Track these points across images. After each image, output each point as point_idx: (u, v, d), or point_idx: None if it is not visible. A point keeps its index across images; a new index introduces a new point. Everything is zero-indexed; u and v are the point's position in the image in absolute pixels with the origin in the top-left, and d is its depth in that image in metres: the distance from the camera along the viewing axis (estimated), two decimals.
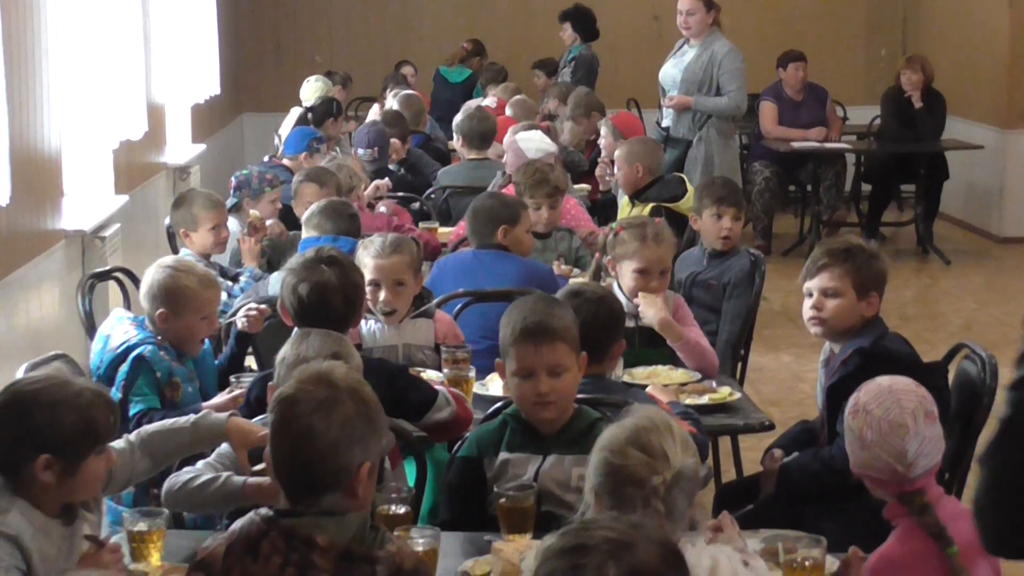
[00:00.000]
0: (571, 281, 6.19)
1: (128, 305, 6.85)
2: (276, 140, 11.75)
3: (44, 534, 3.78)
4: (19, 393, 3.84)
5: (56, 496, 3.76)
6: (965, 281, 12.31)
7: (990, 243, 13.80)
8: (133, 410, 5.11)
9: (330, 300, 4.78)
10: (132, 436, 4.18)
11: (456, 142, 10.10)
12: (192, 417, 4.26)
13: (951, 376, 5.04)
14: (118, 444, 4.04)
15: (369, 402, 3.36)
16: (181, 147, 12.62)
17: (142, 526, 4.00)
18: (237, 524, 3.41)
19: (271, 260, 7.56)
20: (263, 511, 3.35)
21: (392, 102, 11.62)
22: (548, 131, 10.03)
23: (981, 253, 13.53)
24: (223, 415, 4.23)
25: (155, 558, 3.95)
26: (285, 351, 4.36)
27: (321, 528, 3.31)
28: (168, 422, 4.32)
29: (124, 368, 5.22)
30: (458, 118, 10.34)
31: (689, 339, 5.23)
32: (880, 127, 13.45)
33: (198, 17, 13.98)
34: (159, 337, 5.37)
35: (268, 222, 7.91)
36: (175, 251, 7.64)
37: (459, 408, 4.89)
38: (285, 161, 9.93)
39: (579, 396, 4.39)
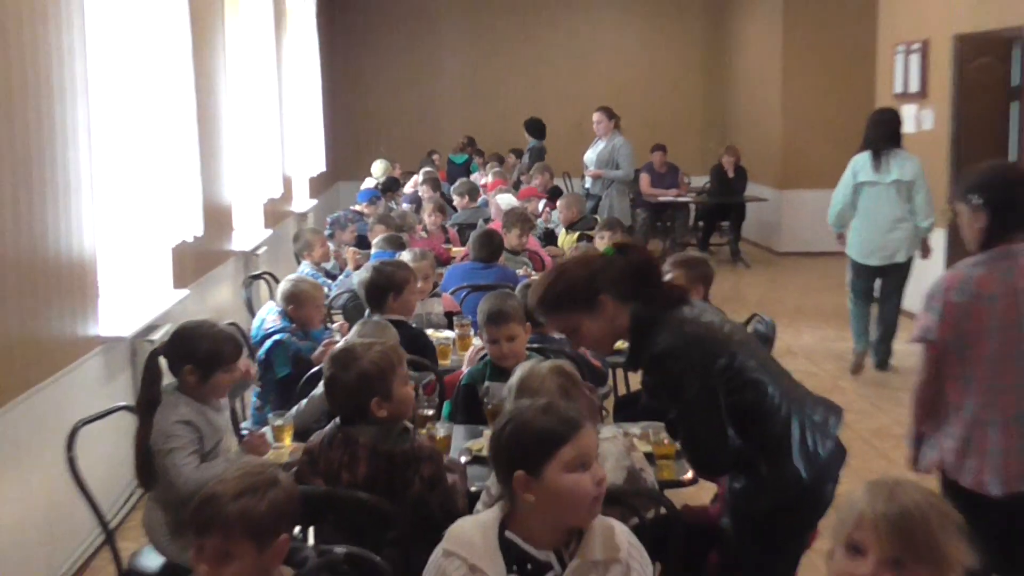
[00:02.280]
0: (527, 280, 6.41)
1: (271, 294, 7.44)
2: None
3: (200, 415, 4.07)
4: (182, 328, 4.21)
5: (199, 393, 4.07)
6: (758, 277, 13.83)
7: (772, 255, 15.57)
8: (279, 373, 5.44)
9: (372, 285, 5.41)
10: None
11: (457, 198, 11.42)
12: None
13: (749, 329, 5.26)
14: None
15: (372, 368, 3.57)
16: (302, 201, 13.68)
17: (279, 422, 4.43)
18: (326, 428, 3.68)
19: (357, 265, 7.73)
20: (336, 421, 3.64)
21: (422, 176, 12.78)
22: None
23: (767, 261, 15.16)
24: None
25: (288, 440, 4.37)
26: (354, 330, 4.87)
27: (362, 433, 3.55)
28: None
29: (268, 345, 5.56)
30: (456, 184, 11.98)
31: None
32: (709, 188, 15.21)
33: (312, 116, 14.81)
34: (293, 325, 5.72)
35: (346, 245, 8.70)
36: (299, 263, 8.39)
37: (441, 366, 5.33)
38: (357, 208, 11.21)
39: (528, 346, 4.81)
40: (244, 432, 4.43)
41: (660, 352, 3.32)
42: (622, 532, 2.71)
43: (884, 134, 8.34)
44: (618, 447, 3.48)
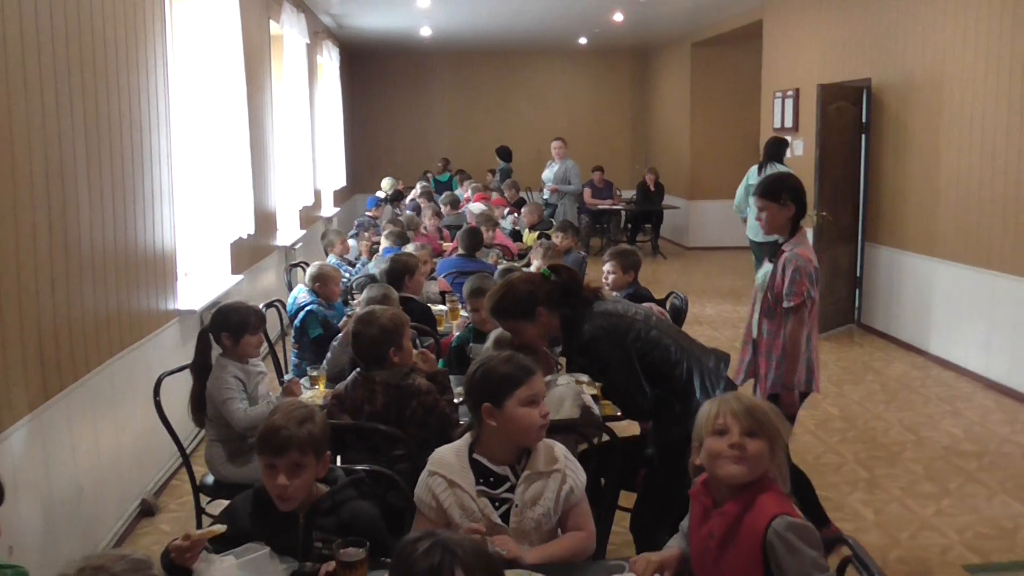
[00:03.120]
0: (499, 267, 6.51)
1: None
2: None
3: (243, 372, 4.12)
4: (219, 307, 4.26)
5: (235, 353, 4.13)
6: (672, 266, 13.86)
7: (683, 249, 15.59)
8: (312, 335, 5.44)
9: (392, 271, 5.46)
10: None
11: (443, 207, 10.90)
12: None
13: (666, 306, 5.41)
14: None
15: (389, 324, 3.61)
16: (328, 208, 13.64)
17: (315, 372, 4.39)
18: (348, 377, 3.67)
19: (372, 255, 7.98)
20: (358, 370, 3.62)
21: (419, 190, 12.84)
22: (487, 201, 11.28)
23: (679, 254, 15.16)
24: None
25: (322, 386, 4.32)
26: (365, 293, 4.89)
27: (379, 374, 3.57)
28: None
29: (301, 315, 5.59)
30: (442, 197, 11.68)
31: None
32: (635, 199, 15.25)
33: (336, 143, 14.77)
34: (318, 299, 5.73)
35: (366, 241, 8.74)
36: (326, 255, 8.13)
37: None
38: (369, 213, 11.35)
39: None
40: (283, 382, 4.46)
41: (586, 341, 3.39)
42: (560, 450, 2.72)
43: (769, 153, 9.07)
44: (573, 390, 3.51)
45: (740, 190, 9.25)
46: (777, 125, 11.17)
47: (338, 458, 3.44)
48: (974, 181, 7.40)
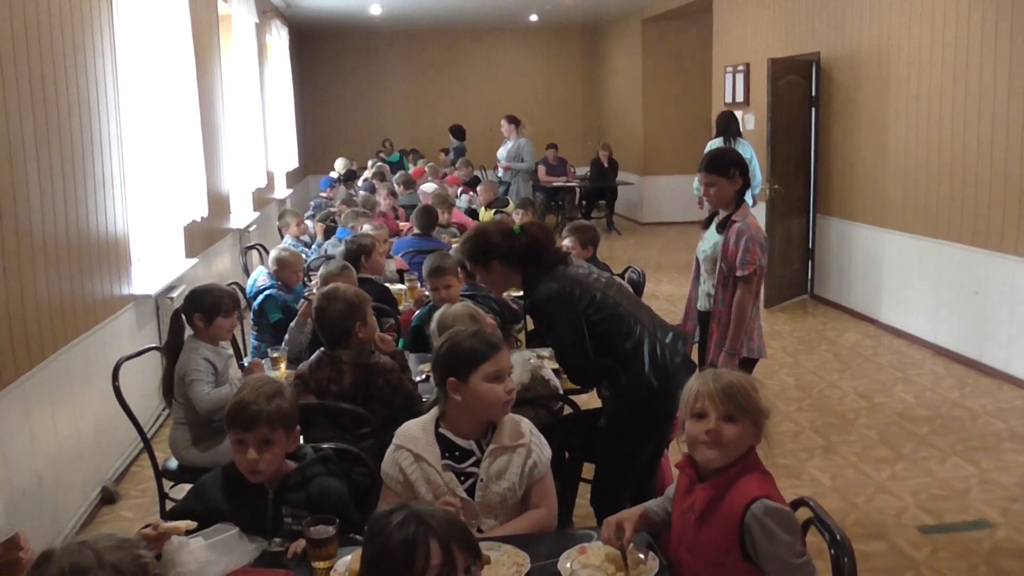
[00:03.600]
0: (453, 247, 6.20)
1: (262, 261, 7.60)
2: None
3: (215, 354, 4.13)
4: (193, 289, 4.29)
5: (207, 335, 4.12)
6: (627, 242, 13.94)
7: (637, 225, 15.66)
8: (272, 319, 5.37)
9: (349, 252, 5.51)
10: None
11: (398, 187, 10.75)
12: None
13: (625, 278, 5.46)
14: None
15: (355, 299, 3.63)
16: (280, 190, 13.55)
17: (276, 354, 4.36)
18: (311, 357, 3.65)
19: (328, 234, 7.90)
20: (322, 349, 3.62)
21: (373, 171, 12.46)
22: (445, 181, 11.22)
23: (633, 230, 15.22)
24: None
25: (283, 368, 4.27)
26: (322, 270, 4.98)
27: (344, 353, 3.58)
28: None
29: (260, 299, 5.56)
30: (395, 176, 11.22)
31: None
32: (589, 176, 15.23)
33: (287, 124, 14.65)
34: (278, 283, 5.68)
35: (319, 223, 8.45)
36: (282, 237, 8.49)
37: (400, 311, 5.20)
38: (323, 194, 11.51)
39: (462, 293, 4.82)
40: (244, 364, 4.46)
41: (536, 299, 3.47)
42: (526, 424, 2.74)
43: (724, 128, 9.08)
44: (524, 357, 3.57)
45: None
46: (728, 100, 11.25)
47: (301, 438, 3.44)
48: (921, 152, 7.55)
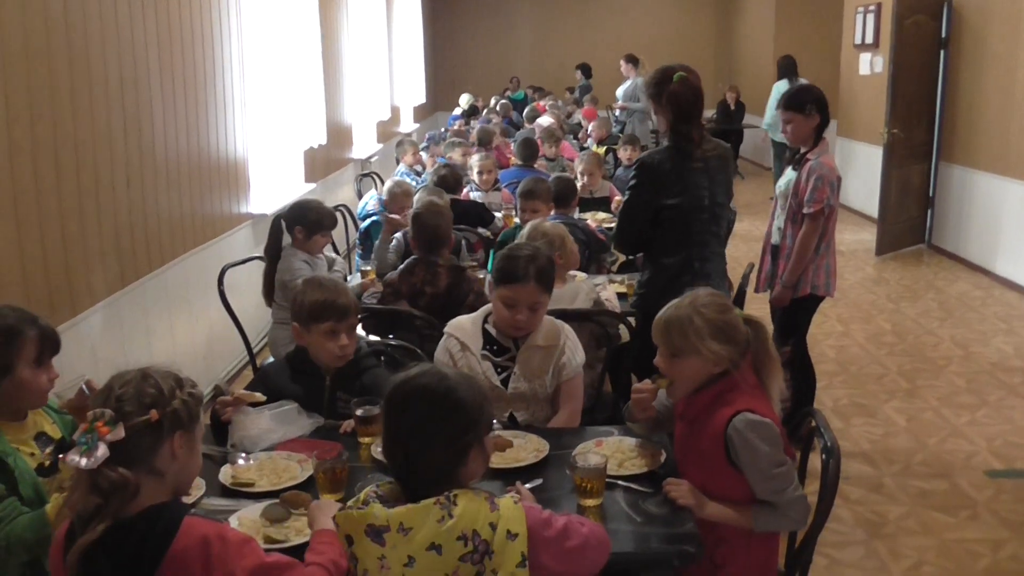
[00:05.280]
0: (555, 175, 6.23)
1: (375, 187, 8.15)
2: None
3: (311, 263, 4.32)
4: (298, 200, 4.53)
5: (304, 247, 4.34)
6: (750, 185, 13.58)
7: (762, 169, 15.02)
8: (375, 242, 5.19)
9: (441, 180, 5.85)
10: None
11: (525, 122, 11.33)
12: None
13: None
14: None
15: (447, 210, 4.01)
16: (407, 124, 13.97)
17: (367, 267, 4.67)
18: (400, 266, 3.94)
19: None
20: (413, 257, 3.91)
21: (498, 107, 12.91)
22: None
23: (758, 174, 14.80)
24: None
25: (372, 275, 4.47)
26: (420, 192, 5.35)
27: (441, 256, 3.89)
28: None
29: (366, 223, 5.83)
30: (525, 112, 11.88)
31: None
32: (715, 118, 14.96)
33: (416, 60, 15.05)
34: (385, 211, 5.67)
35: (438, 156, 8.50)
36: (397, 163, 8.56)
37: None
38: (454, 127, 11.52)
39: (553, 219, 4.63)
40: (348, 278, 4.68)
41: (639, 160, 3.75)
42: (563, 328, 2.96)
43: (788, 70, 10.34)
44: (589, 285, 3.72)
45: (771, 110, 9.45)
46: (858, 41, 10.90)
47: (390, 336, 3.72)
48: None
